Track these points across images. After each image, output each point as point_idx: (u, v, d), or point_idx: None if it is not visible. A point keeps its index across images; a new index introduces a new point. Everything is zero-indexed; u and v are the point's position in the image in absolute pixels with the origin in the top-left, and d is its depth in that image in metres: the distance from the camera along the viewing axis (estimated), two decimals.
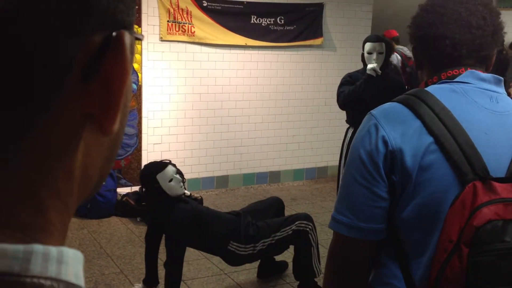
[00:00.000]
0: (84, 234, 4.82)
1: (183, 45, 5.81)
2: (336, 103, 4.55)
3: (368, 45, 4.38)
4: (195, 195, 5.54)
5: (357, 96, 4.29)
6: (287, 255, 4.06)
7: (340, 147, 4.69)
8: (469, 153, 1.19)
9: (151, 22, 5.62)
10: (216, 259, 4.01)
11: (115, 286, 3.86)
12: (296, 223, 3.61)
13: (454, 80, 1.31)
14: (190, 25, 5.79)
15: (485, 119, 1.25)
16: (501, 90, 1.32)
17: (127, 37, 0.38)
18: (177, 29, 5.73)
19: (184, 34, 5.77)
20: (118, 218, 5.23)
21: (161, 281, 3.55)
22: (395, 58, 7.59)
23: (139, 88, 5.66)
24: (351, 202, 1.28)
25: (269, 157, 6.53)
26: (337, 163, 4.92)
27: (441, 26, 1.32)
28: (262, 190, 6.37)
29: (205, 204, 5.20)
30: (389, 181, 1.25)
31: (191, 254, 4.12)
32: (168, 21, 5.68)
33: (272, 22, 6.22)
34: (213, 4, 5.88)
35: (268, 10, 6.17)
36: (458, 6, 1.32)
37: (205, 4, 5.84)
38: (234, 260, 3.62)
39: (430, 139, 1.21)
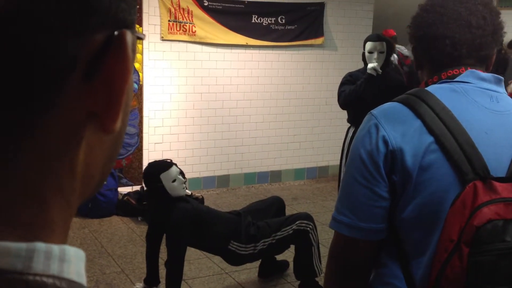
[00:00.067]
0: (85, 233, 4.82)
1: (184, 44, 5.81)
2: (337, 103, 4.55)
3: (369, 44, 4.38)
4: (196, 194, 5.56)
5: (357, 96, 4.29)
6: (288, 255, 4.06)
7: (341, 147, 4.69)
8: (469, 152, 1.19)
9: (152, 22, 5.62)
10: (217, 259, 4.02)
11: (116, 286, 3.87)
12: (297, 222, 3.61)
13: (454, 80, 1.31)
14: (191, 25, 5.79)
15: (485, 119, 1.25)
16: (501, 89, 1.32)
17: (129, 36, 0.38)
18: (178, 29, 5.73)
19: (185, 34, 5.78)
20: (119, 218, 5.24)
21: (162, 280, 3.55)
22: (393, 57, 7.60)
23: (140, 87, 5.67)
24: (351, 202, 1.28)
25: (270, 157, 6.53)
26: (338, 162, 4.92)
27: (441, 26, 1.32)
28: (263, 189, 6.37)
29: (206, 203, 5.21)
30: (389, 181, 1.25)
31: (192, 253, 4.12)
32: (169, 21, 5.68)
33: (273, 22, 6.22)
34: (214, 4, 5.88)
35: (269, 10, 6.17)
36: (458, 6, 1.32)
37: (206, 4, 5.84)
38: (234, 259, 3.62)
39: (430, 138, 1.21)
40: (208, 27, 5.87)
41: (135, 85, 5.61)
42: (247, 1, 6.04)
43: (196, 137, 6.04)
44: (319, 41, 6.53)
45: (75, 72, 0.36)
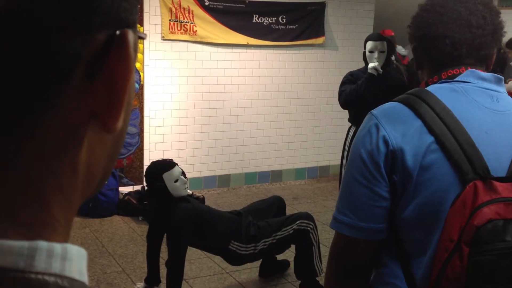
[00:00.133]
0: (86, 233, 4.83)
1: (185, 44, 5.81)
2: (337, 102, 4.54)
3: (369, 44, 4.38)
4: (197, 194, 5.56)
5: (358, 95, 4.29)
6: (289, 254, 4.06)
7: (342, 146, 4.69)
8: (469, 152, 1.19)
9: (153, 21, 5.62)
10: (218, 258, 4.02)
11: (117, 285, 3.87)
12: (297, 222, 3.61)
13: (455, 80, 1.31)
14: (192, 24, 5.79)
15: (485, 118, 1.25)
16: (502, 89, 1.32)
17: (130, 36, 0.38)
18: (179, 28, 5.73)
19: (186, 33, 5.78)
20: (120, 217, 5.24)
21: (163, 280, 3.56)
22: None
23: (141, 87, 5.67)
24: (352, 201, 1.28)
25: (271, 156, 6.53)
26: (339, 162, 4.92)
27: (441, 26, 1.32)
28: (264, 189, 6.37)
29: (207, 203, 5.21)
30: (390, 180, 1.25)
31: (192, 253, 4.13)
32: (170, 20, 5.68)
33: (274, 21, 6.22)
34: (215, 3, 5.88)
35: (270, 9, 6.17)
36: (458, 6, 1.32)
37: (207, 3, 5.84)
38: (235, 259, 3.62)
39: (430, 138, 1.21)
40: (209, 27, 5.87)
41: (136, 85, 5.62)
42: (248, 1, 6.04)
43: (197, 136, 6.04)
44: (320, 40, 6.53)
45: (76, 71, 0.36)
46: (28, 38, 0.33)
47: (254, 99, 6.31)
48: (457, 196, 1.18)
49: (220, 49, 6.01)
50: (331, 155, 6.78)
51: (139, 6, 0.42)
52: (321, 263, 3.65)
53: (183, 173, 3.56)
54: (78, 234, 4.77)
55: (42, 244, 0.35)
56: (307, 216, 3.69)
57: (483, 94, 1.28)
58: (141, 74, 5.64)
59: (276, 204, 3.98)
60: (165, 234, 3.49)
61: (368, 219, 1.26)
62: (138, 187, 5.67)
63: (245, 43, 6.11)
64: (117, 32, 0.38)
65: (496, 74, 1.32)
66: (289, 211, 4.25)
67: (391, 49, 4.45)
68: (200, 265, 4.19)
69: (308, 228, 3.62)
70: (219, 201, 5.81)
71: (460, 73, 1.31)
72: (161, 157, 4.70)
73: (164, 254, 3.60)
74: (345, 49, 6.71)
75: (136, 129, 5.69)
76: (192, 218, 3.39)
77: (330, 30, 6.61)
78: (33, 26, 0.33)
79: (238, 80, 6.16)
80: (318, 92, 6.66)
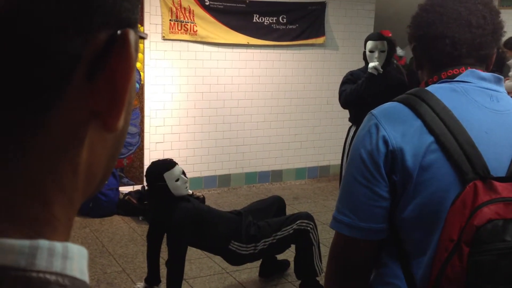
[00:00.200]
0: (86, 232, 4.83)
1: (185, 44, 5.81)
2: (338, 102, 4.54)
3: (370, 44, 4.37)
4: (197, 194, 5.56)
5: (358, 95, 4.28)
6: (289, 254, 4.06)
7: (342, 146, 4.69)
8: (469, 152, 1.19)
9: (153, 21, 5.63)
10: (218, 258, 4.02)
11: (117, 285, 3.87)
12: (297, 222, 3.61)
13: (454, 80, 1.31)
14: (192, 24, 5.79)
15: (485, 118, 1.25)
16: (501, 89, 1.32)
17: (132, 35, 0.39)
18: (179, 28, 5.73)
19: (186, 33, 5.78)
20: (120, 217, 5.24)
21: (163, 279, 3.56)
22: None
23: (141, 87, 5.67)
24: (352, 201, 1.28)
25: (271, 156, 6.53)
26: (339, 162, 4.93)
27: (440, 26, 1.32)
28: (264, 189, 6.37)
29: (207, 203, 5.21)
30: (389, 180, 1.25)
31: (193, 253, 4.13)
32: (170, 20, 5.68)
33: (274, 21, 6.22)
34: (216, 3, 5.88)
35: (270, 9, 6.17)
36: (457, 5, 1.32)
37: (207, 3, 5.84)
38: (235, 259, 3.62)
39: (430, 138, 1.21)
40: (209, 27, 5.88)
41: (136, 85, 5.62)
42: (249, 1, 6.04)
43: (197, 136, 6.04)
44: (320, 40, 6.53)
45: (77, 71, 0.36)
46: (28, 38, 0.33)
47: (255, 99, 6.31)
48: (457, 196, 1.18)
49: (221, 49, 6.01)
50: (331, 155, 6.78)
51: (139, 6, 0.43)
52: (321, 263, 3.65)
53: (183, 173, 3.57)
54: (78, 233, 4.78)
55: (43, 242, 0.35)
56: (307, 216, 3.69)
57: (483, 94, 1.28)
58: (142, 73, 5.64)
59: (276, 204, 3.98)
60: (165, 234, 3.49)
61: (368, 219, 1.26)
62: (138, 187, 5.67)
63: (246, 43, 6.11)
64: (118, 31, 0.38)
65: (496, 74, 1.32)
66: (289, 211, 4.25)
67: (391, 49, 4.45)
68: (200, 265, 4.19)
69: (308, 228, 3.62)
70: (219, 201, 5.81)
71: (460, 73, 1.31)
72: (161, 157, 4.71)
73: (164, 254, 3.60)
74: (346, 49, 6.71)
75: (136, 129, 5.69)
76: (192, 218, 3.39)
77: (331, 30, 6.61)
78: (33, 26, 0.33)
79: (238, 80, 6.17)
80: (318, 92, 6.66)
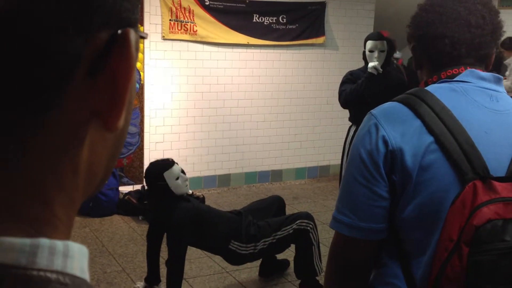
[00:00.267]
0: (86, 232, 4.83)
1: (185, 44, 5.81)
2: (338, 102, 4.54)
3: (369, 43, 4.37)
4: (197, 193, 5.56)
5: (358, 95, 4.28)
6: (289, 253, 4.06)
7: (342, 146, 4.69)
8: (469, 152, 1.19)
9: (153, 21, 5.62)
10: (218, 258, 4.02)
11: (117, 284, 3.87)
12: (297, 222, 3.61)
13: (454, 79, 1.31)
14: (192, 24, 5.79)
15: (485, 118, 1.25)
16: (501, 88, 1.32)
17: (132, 35, 0.39)
18: (179, 28, 5.73)
19: (186, 33, 5.78)
20: (120, 217, 5.24)
21: (163, 279, 3.56)
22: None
23: (141, 86, 5.67)
24: (351, 201, 1.28)
25: (271, 156, 6.53)
26: (339, 161, 4.93)
27: (440, 26, 1.32)
28: (264, 188, 6.37)
29: (207, 202, 5.21)
30: (389, 180, 1.25)
31: (193, 252, 4.13)
32: (170, 20, 5.68)
33: (274, 21, 6.22)
34: (215, 3, 5.88)
35: (270, 9, 6.17)
36: (457, 5, 1.32)
37: (207, 3, 5.84)
38: (235, 259, 3.62)
39: (430, 138, 1.21)
40: (209, 26, 5.88)
41: (136, 85, 5.62)
42: (249, 1, 6.04)
43: (197, 136, 6.04)
44: (320, 40, 6.53)
45: (77, 71, 0.36)
46: (28, 38, 0.33)
47: (254, 99, 6.31)
48: (457, 196, 1.18)
49: (221, 49, 6.01)
50: (331, 154, 6.78)
51: (139, 5, 0.43)
52: (321, 263, 3.65)
53: (182, 171, 3.57)
54: (78, 233, 4.78)
55: (44, 241, 0.35)
56: (307, 216, 3.69)
57: (482, 94, 1.28)
58: (141, 73, 5.64)
59: (276, 204, 3.98)
60: (165, 234, 3.49)
61: (367, 219, 1.26)
62: (138, 187, 5.67)
63: (246, 43, 6.11)
64: (119, 31, 0.38)
65: (495, 74, 1.32)
66: (289, 210, 4.25)
67: (391, 49, 4.45)
68: (200, 264, 4.19)
69: (308, 228, 3.62)
70: (219, 200, 5.81)
71: (459, 73, 1.31)
72: (161, 157, 4.70)
73: (164, 254, 3.60)
74: (346, 48, 6.71)
75: (136, 129, 5.69)
76: (192, 217, 3.39)
77: (331, 30, 6.61)
78: (33, 26, 0.33)
79: (238, 80, 6.17)
80: (318, 92, 6.66)
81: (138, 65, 5.56)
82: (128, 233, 4.85)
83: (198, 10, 5.80)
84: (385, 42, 4.37)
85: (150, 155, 5.67)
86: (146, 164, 5.48)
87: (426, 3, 1.38)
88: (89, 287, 0.38)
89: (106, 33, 0.37)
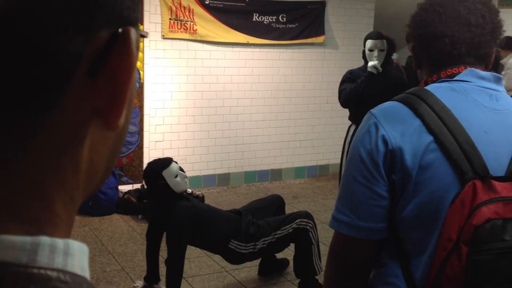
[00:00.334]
0: (85, 231, 4.83)
1: (185, 42, 5.81)
2: (337, 101, 4.54)
3: (369, 42, 4.37)
4: (197, 192, 5.56)
5: (358, 94, 4.28)
6: (288, 253, 4.06)
7: (342, 145, 4.69)
8: (469, 152, 1.19)
9: (153, 20, 5.62)
10: (217, 257, 4.02)
11: (117, 283, 3.87)
12: (297, 221, 3.61)
13: (454, 79, 1.31)
14: (192, 23, 5.79)
15: (484, 118, 1.25)
16: (501, 88, 1.32)
17: (133, 33, 0.39)
18: (179, 27, 5.73)
19: (186, 32, 5.77)
20: (120, 216, 5.24)
21: (162, 278, 3.56)
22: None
23: (141, 85, 5.67)
24: (351, 201, 1.28)
25: (271, 155, 6.53)
26: (338, 161, 4.93)
27: (440, 25, 1.32)
28: (263, 188, 6.37)
29: (206, 201, 5.21)
30: (389, 180, 1.25)
31: (192, 251, 4.13)
32: (170, 19, 5.68)
33: (274, 20, 6.22)
34: (215, 2, 5.88)
35: (270, 8, 6.17)
36: (457, 5, 1.32)
37: (207, 2, 5.84)
38: (234, 258, 3.62)
39: (430, 138, 1.21)
40: (209, 26, 5.87)
41: (136, 84, 5.61)
42: (248, 0, 6.04)
43: (197, 135, 6.04)
44: (320, 39, 6.53)
45: (78, 70, 0.36)
46: (28, 38, 0.33)
47: (254, 98, 6.31)
48: (456, 195, 1.18)
49: (220, 48, 6.00)
50: (330, 154, 6.78)
51: (140, 4, 0.43)
52: (320, 262, 3.65)
53: (181, 168, 3.57)
54: (77, 232, 4.78)
55: (45, 239, 0.35)
56: (307, 215, 3.70)
57: (482, 93, 1.28)
58: (141, 72, 5.64)
59: (275, 203, 3.98)
60: (165, 233, 3.49)
61: (367, 218, 1.26)
62: (137, 186, 5.67)
63: (245, 42, 6.11)
64: (120, 30, 0.38)
65: (495, 73, 1.32)
66: (288, 209, 4.25)
67: (391, 48, 4.45)
68: (200, 263, 4.19)
69: (308, 227, 3.62)
70: (219, 199, 5.81)
71: (459, 72, 1.31)
72: (161, 156, 4.70)
73: (163, 253, 3.60)
74: (345, 48, 6.71)
75: (136, 128, 5.69)
76: (192, 216, 3.39)
77: (330, 29, 6.61)
78: (33, 26, 0.33)
79: (238, 79, 6.16)
80: (318, 91, 6.66)
81: (138, 64, 5.56)
82: (127, 232, 4.85)
83: (198, 9, 5.80)
84: (384, 41, 4.37)
85: (149, 154, 5.67)
86: (145, 163, 5.48)
87: (426, 2, 1.38)
88: (89, 285, 0.38)
89: (107, 32, 0.37)
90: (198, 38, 5.85)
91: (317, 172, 6.84)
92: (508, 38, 6.55)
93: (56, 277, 0.35)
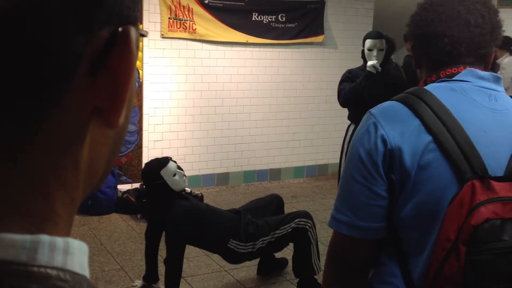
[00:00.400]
0: (84, 230, 4.83)
1: (184, 42, 5.81)
2: (337, 101, 4.55)
3: (368, 42, 4.37)
4: (196, 192, 5.56)
5: (357, 93, 4.28)
6: (287, 252, 4.07)
7: (341, 145, 4.69)
8: (467, 151, 1.19)
9: (152, 19, 5.62)
10: (216, 256, 4.02)
11: (115, 283, 3.87)
12: (296, 220, 3.61)
13: (453, 79, 1.31)
14: (191, 22, 5.79)
15: (483, 117, 1.25)
16: (500, 88, 1.32)
17: (133, 32, 0.39)
18: (178, 26, 5.73)
19: (185, 31, 5.77)
20: (119, 215, 5.24)
21: (161, 277, 3.56)
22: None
23: (140, 85, 5.67)
24: (350, 201, 1.28)
25: (270, 155, 6.53)
26: (337, 160, 4.93)
27: (439, 25, 1.32)
28: (262, 187, 6.37)
29: (205, 201, 5.21)
30: (388, 180, 1.25)
31: (191, 251, 4.13)
32: (169, 18, 5.68)
33: (273, 20, 6.22)
34: (215, 1, 5.88)
35: (269, 8, 6.17)
36: (456, 5, 1.32)
37: (206, 1, 5.84)
38: (233, 258, 3.62)
39: (429, 137, 1.21)
40: (208, 25, 5.87)
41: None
42: None
43: (196, 134, 6.04)
44: (319, 39, 6.53)
45: (79, 69, 0.36)
46: (29, 37, 0.33)
47: (253, 97, 6.31)
48: (455, 195, 1.18)
49: (220, 47, 6.00)
50: (330, 153, 6.79)
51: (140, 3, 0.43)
52: (319, 261, 3.65)
53: (179, 167, 3.57)
54: (76, 231, 4.78)
55: (45, 238, 0.35)
56: (306, 215, 3.70)
57: (481, 93, 1.28)
58: (140, 72, 5.64)
59: (274, 203, 3.98)
60: (164, 232, 3.49)
61: (366, 218, 1.26)
62: (136, 185, 5.67)
63: (245, 41, 6.11)
64: (120, 29, 0.38)
65: (494, 73, 1.32)
66: (287, 209, 4.25)
67: (390, 47, 4.45)
68: (199, 263, 4.19)
69: (307, 227, 3.62)
70: (218, 199, 5.81)
71: (458, 72, 1.32)
72: (160, 155, 4.70)
73: (162, 252, 3.60)
74: (345, 47, 6.71)
75: (135, 127, 5.69)
76: (191, 216, 3.39)
77: (330, 29, 6.61)
78: (34, 26, 0.33)
79: (237, 78, 6.16)
80: (317, 91, 6.66)
81: (137, 63, 5.56)
82: (126, 232, 4.85)
83: (197, 8, 5.80)
84: (384, 40, 4.37)
85: (148, 154, 5.67)
86: (145, 163, 5.48)
87: (425, 2, 1.38)
88: (89, 283, 0.38)
89: (107, 31, 0.37)
90: (198, 38, 5.85)
91: (316, 171, 6.84)
92: (504, 38, 6.58)
93: (56, 276, 0.35)
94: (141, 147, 5.76)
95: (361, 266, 1.34)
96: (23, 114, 0.35)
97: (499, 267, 1.15)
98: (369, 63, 4.28)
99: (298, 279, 3.73)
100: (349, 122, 4.61)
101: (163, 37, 5.68)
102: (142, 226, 4.78)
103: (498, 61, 6.84)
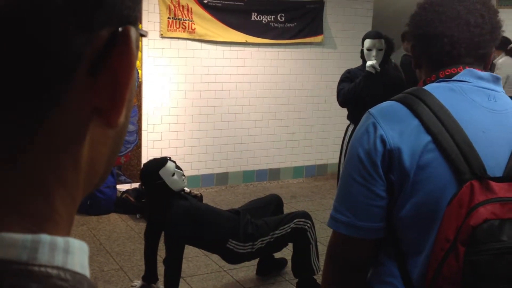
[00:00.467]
0: (83, 230, 4.82)
1: (184, 42, 5.80)
2: (336, 101, 4.55)
3: (367, 42, 4.37)
4: (195, 192, 5.56)
5: (356, 93, 4.29)
6: (286, 252, 4.07)
7: (340, 145, 4.69)
8: (466, 152, 1.20)
9: (151, 19, 5.62)
10: (216, 256, 4.02)
11: (115, 283, 3.87)
12: (295, 221, 3.61)
13: (452, 79, 1.31)
14: (190, 22, 5.79)
15: (483, 118, 1.25)
16: (499, 88, 1.32)
17: (133, 32, 0.39)
18: (177, 26, 5.73)
19: (184, 31, 5.77)
20: (118, 215, 5.24)
21: (161, 277, 3.56)
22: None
23: (139, 85, 5.66)
24: (349, 201, 1.29)
25: (269, 155, 6.53)
26: (336, 160, 4.93)
27: (439, 25, 1.32)
28: (261, 187, 6.37)
29: (204, 201, 5.21)
30: (387, 180, 1.25)
31: (190, 251, 4.13)
32: (168, 18, 5.67)
33: (272, 19, 6.22)
34: (214, 1, 5.88)
35: (268, 8, 6.17)
36: (456, 5, 1.32)
37: (205, 1, 5.84)
38: (232, 258, 3.62)
39: (428, 138, 1.21)
40: (207, 25, 5.87)
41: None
42: None
43: (195, 134, 6.04)
44: (318, 39, 6.53)
45: (79, 69, 0.36)
46: (29, 37, 0.33)
47: (253, 97, 6.31)
48: (454, 195, 1.18)
49: (219, 47, 6.00)
50: (329, 153, 6.79)
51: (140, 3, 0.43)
52: (318, 262, 3.65)
53: (177, 166, 3.57)
54: (76, 231, 4.77)
55: (45, 237, 0.35)
56: (305, 215, 3.70)
57: (480, 93, 1.28)
58: (140, 71, 5.63)
59: (273, 203, 3.98)
60: (163, 232, 3.49)
61: (366, 218, 1.26)
62: (135, 185, 5.67)
63: (244, 41, 6.11)
64: (120, 29, 0.38)
65: (494, 73, 1.32)
66: (286, 209, 4.25)
67: (389, 47, 4.45)
68: (198, 263, 4.19)
69: (306, 227, 3.62)
70: (217, 199, 5.81)
71: (458, 72, 1.32)
72: (159, 155, 4.70)
73: (161, 252, 3.60)
74: (344, 47, 6.72)
75: (134, 127, 5.69)
76: (190, 216, 3.39)
77: (329, 29, 6.61)
78: (34, 26, 0.33)
79: (236, 78, 6.16)
80: (316, 91, 6.66)
81: (137, 63, 5.55)
82: (125, 232, 4.85)
83: (196, 8, 5.80)
84: (383, 40, 4.37)
85: (148, 153, 5.67)
86: (144, 162, 5.48)
87: (425, 2, 1.38)
88: (89, 282, 0.38)
89: (107, 31, 0.37)
90: (197, 37, 5.85)
91: (315, 171, 6.84)
92: (502, 37, 6.58)
93: (56, 275, 0.35)
94: (140, 147, 5.76)
95: (360, 266, 1.34)
96: (23, 114, 0.35)
97: (497, 267, 1.16)
98: (368, 63, 4.28)
99: (297, 279, 3.73)
100: (348, 122, 4.61)
101: (162, 37, 5.68)
102: (141, 226, 4.77)
103: (494, 61, 6.86)
